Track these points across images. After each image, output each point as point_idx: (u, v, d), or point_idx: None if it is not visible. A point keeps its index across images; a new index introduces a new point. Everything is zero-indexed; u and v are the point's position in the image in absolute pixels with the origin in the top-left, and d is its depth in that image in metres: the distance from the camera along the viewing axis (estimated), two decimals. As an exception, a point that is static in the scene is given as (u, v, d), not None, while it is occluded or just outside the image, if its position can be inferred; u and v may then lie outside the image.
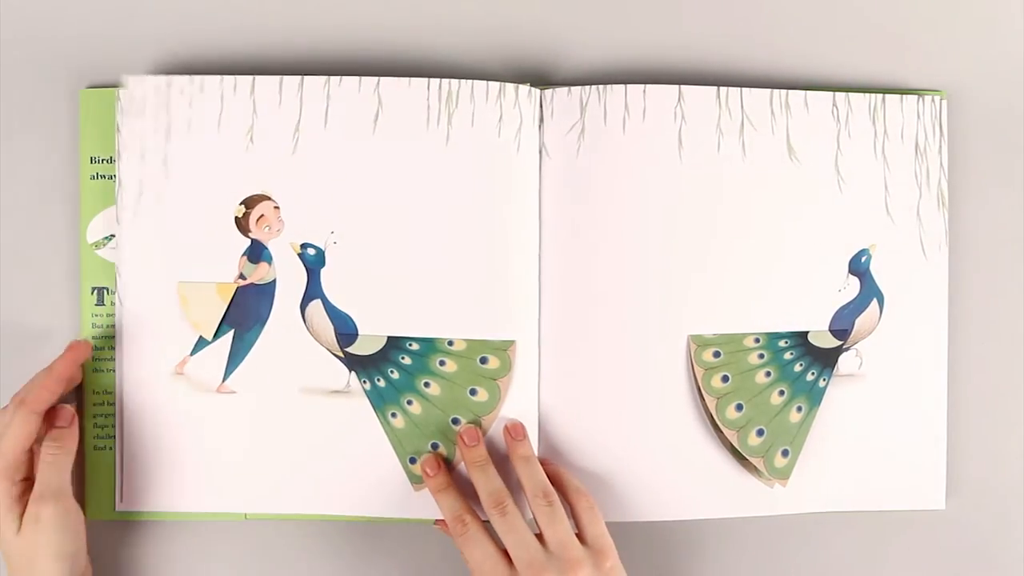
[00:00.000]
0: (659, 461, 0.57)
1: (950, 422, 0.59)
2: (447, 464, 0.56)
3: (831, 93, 0.58)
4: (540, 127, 0.57)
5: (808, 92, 0.58)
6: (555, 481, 0.54)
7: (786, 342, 0.57)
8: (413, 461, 0.56)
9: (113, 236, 0.57)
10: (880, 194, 0.58)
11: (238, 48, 0.59)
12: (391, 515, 0.56)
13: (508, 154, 0.56)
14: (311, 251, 0.56)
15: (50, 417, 0.52)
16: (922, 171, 0.59)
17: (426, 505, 0.55)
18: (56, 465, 0.51)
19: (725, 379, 0.57)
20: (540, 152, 0.57)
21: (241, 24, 0.59)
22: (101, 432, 0.56)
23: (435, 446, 0.56)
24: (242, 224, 0.56)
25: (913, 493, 0.59)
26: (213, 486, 0.56)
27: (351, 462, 0.56)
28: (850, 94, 0.58)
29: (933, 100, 0.59)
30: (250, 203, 0.56)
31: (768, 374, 0.57)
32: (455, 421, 0.56)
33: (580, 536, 0.52)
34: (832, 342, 0.58)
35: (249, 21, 0.59)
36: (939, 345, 0.59)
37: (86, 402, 0.57)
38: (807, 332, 0.58)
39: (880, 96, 0.58)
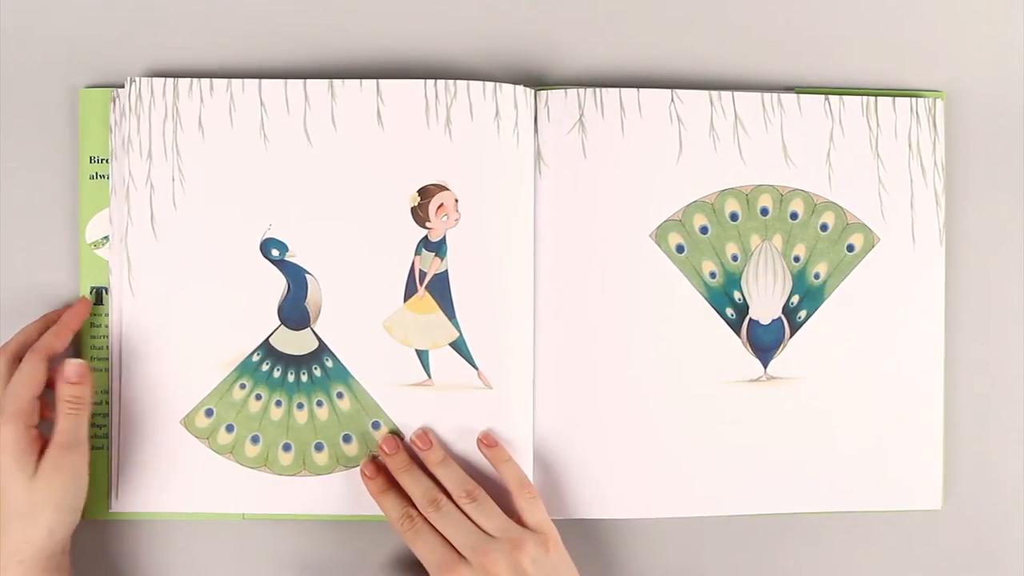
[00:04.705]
0: (652, 458, 0.57)
1: (946, 421, 0.59)
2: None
3: (823, 96, 0.58)
4: (535, 129, 0.57)
5: (801, 95, 0.58)
6: (501, 477, 0.55)
7: None
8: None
9: (113, 235, 0.57)
10: (875, 193, 0.58)
11: (239, 49, 0.59)
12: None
13: (504, 154, 0.56)
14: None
15: (63, 375, 0.53)
16: (916, 169, 0.59)
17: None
18: (77, 418, 0.52)
19: None
20: (536, 154, 0.57)
21: (241, 24, 0.59)
22: (97, 432, 0.57)
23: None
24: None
25: (909, 493, 0.59)
26: (211, 486, 0.56)
27: (352, 462, 0.57)
28: (844, 96, 0.58)
29: (926, 100, 0.59)
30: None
31: None
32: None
33: (522, 524, 0.53)
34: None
35: (248, 19, 0.59)
36: (935, 343, 0.59)
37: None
38: None
39: (873, 98, 0.58)
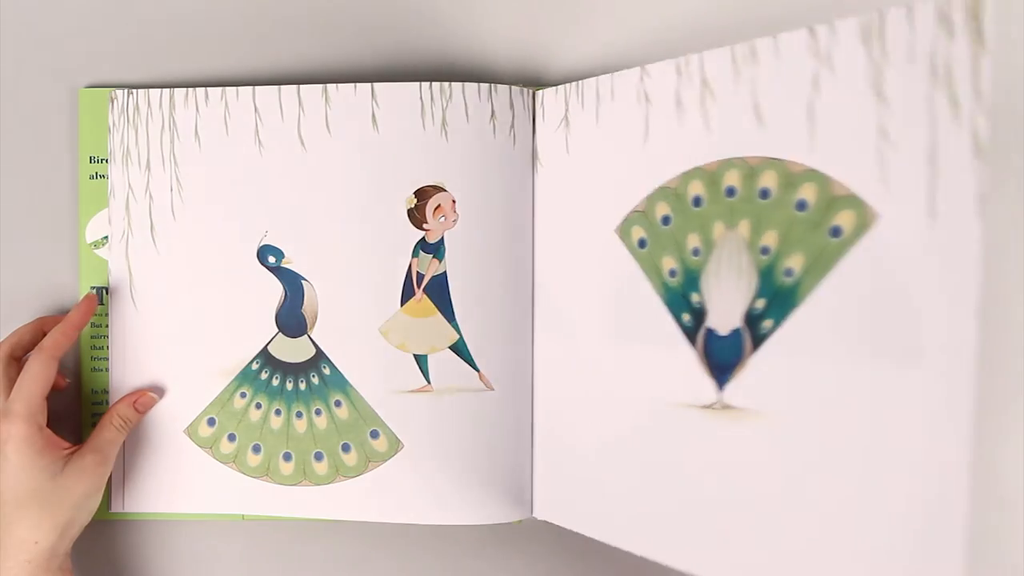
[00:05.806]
0: (615, 479, 0.52)
1: (981, 493, 0.43)
2: None
3: (806, 29, 0.42)
4: (533, 130, 0.55)
5: (779, 35, 0.43)
6: None
7: None
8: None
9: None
10: (873, 149, 0.40)
11: (236, 47, 0.58)
12: (387, 519, 0.55)
13: (501, 155, 0.55)
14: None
15: (134, 399, 0.55)
16: (943, 104, 0.38)
17: (420, 510, 0.55)
18: (119, 432, 0.54)
19: None
20: (533, 155, 0.55)
21: (238, 22, 0.58)
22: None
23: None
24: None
25: None
26: (215, 495, 0.56)
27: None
28: (837, 22, 0.41)
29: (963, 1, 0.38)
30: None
31: None
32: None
33: None
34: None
35: (245, 15, 0.58)
36: (964, 369, 0.38)
37: (83, 401, 0.57)
38: None
39: (877, 15, 0.40)
